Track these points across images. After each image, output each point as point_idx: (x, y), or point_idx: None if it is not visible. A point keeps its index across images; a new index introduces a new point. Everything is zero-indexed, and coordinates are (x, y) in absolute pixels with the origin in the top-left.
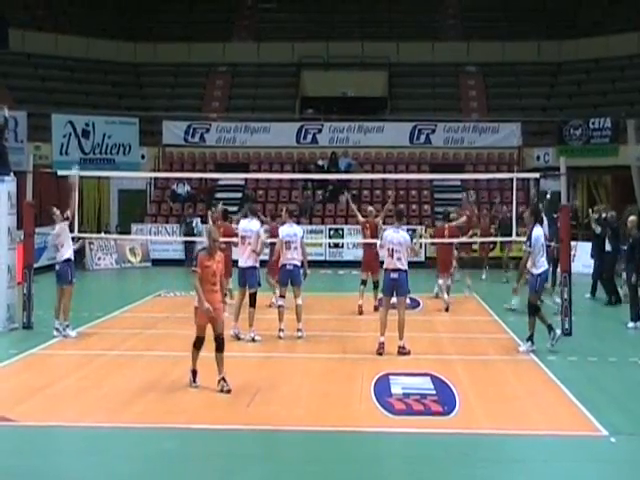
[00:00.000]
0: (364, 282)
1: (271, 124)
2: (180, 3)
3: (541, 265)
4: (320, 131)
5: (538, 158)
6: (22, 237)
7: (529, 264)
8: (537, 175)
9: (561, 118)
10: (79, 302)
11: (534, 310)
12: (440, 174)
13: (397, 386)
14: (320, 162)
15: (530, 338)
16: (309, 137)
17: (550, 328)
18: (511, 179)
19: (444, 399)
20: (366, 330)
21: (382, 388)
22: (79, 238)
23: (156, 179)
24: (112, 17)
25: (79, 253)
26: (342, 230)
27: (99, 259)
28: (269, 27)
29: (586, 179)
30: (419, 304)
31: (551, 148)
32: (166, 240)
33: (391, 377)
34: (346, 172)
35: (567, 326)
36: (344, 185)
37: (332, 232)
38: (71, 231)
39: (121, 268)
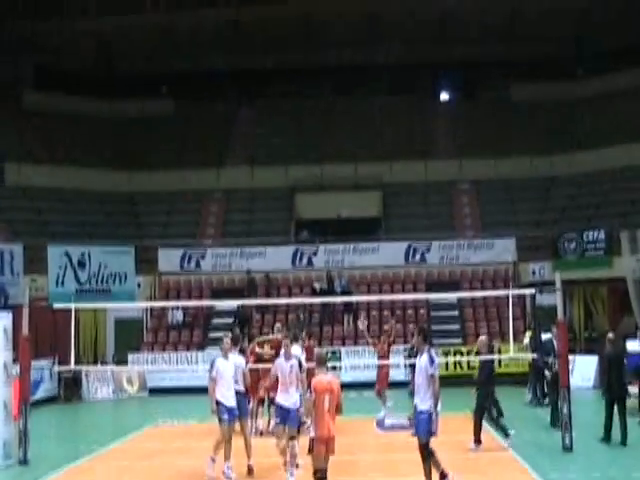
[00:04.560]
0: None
1: (266, 248)
2: (174, 131)
3: (429, 399)
4: (315, 254)
5: (534, 272)
6: (18, 371)
7: (417, 398)
8: (533, 291)
9: (555, 232)
10: (76, 434)
11: (428, 453)
12: (436, 293)
13: None
14: (316, 284)
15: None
16: (304, 260)
17: (443, 476)
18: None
19: None
20: None
21: None
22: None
23: (152, 307)
24: (107, 147)
25: (75, 384)
26: (339, 352)
27: (96, 390)
28: (263, 152)
29: (582, 292)
30: None
31: (546, 262)
32: (163, 369)
33: None
34: (343, 293)
35: (568, 441)
36: (344, 307)
37: (330, 355)
38: (64, 363)
39: (118, 398)
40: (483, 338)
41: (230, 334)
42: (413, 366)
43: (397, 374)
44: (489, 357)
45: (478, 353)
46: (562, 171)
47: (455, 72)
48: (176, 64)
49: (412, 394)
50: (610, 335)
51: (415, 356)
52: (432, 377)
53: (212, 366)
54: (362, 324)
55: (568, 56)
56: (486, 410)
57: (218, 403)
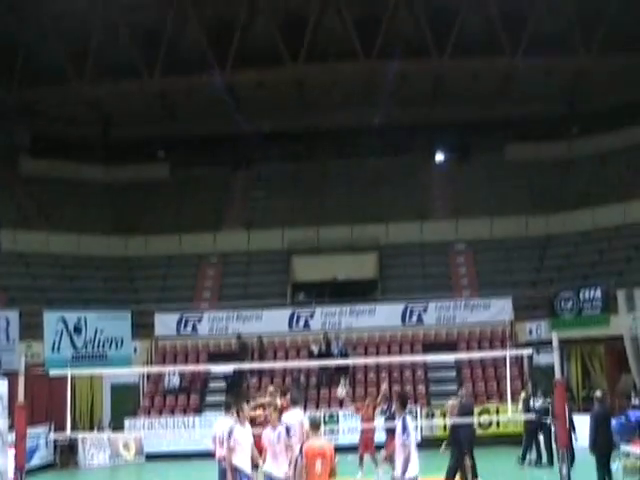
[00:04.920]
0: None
1: (263, 311)
2: (170, 195)
3: (413, 468)
4: (312, 316)
5: (530, 332)
6: (14, 439)
7: (398, 471)
8: (530, 351)
9: (551, 291)
10: None
11: None
12: (433, 354)
13: None
14: (313, 347)
15: None
16: (301, 323)
17: None
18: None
19: None
20: None
21: None
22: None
23: (148, 372)
24: (103, 212)
25: (72, 450)
26: (337, 415)
27: (92, 456)
28: (259, 215)
29: (579, 350)
30: None
31: (543, 321)
32: (160, 434)
33: None
34: (340, 356)
35: None
36: (343, 370)
37: (327, 418)
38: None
39: (115, 464)
40: (452, 402)
41: (249, 402)
42: (388, 430)
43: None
44: (460, 421)
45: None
46: (558, 230)
47: (450, 133)
48: (172, 128)
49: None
50: (597, 394)
51: (392, 418)
52: (403, 445)
53: (230, 435)
54: (341, 391)
55: (562, 116)
56: (459, 471)
57: (236, 470)
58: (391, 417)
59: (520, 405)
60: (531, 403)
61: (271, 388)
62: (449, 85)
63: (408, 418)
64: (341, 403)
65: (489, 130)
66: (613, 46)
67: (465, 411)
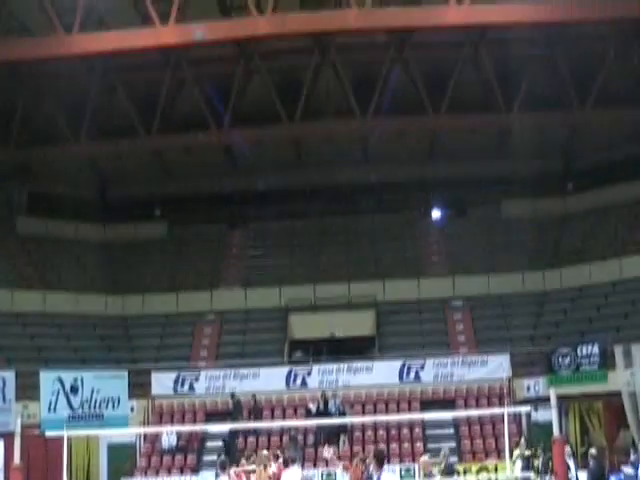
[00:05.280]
0: None
1: (260, 370)
2: (167, 254)
3: None
4: (309, 374)
5: (528, 388)
6: None
7: None
8: (528, 409)
9: (549, 347)
10: None
11: None
12: (431, 412)
13: None
14: (311, 405)
15: None
16: (298, 381)
17: None
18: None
19: None
20: None
21: None
22: None
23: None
24: (100, 271)
25: None
26: (335, 474)
27: None
28: (256, 272)
29: (577, 407)
30: None
31: (541, 377)
32: None
33: None
34: (338, 414)
35: None
36: (340, 428)
37: (325, 476)
38: None
39: None
40: (425, 458)
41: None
42: None
43: None
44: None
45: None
46: (554, 286)
47: (446, 189)
48: (169, 187)
49: None
50: (593, 451)
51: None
52: None
53: None
54: (327, 453)
55: (558, 172)
56: None
57: None
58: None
59: (518, 462)
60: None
61: (265, 452)
62: (445, 142)
63: (386, 475)
64: (327, 463)
65: (486, 186)
66: (607, 103)
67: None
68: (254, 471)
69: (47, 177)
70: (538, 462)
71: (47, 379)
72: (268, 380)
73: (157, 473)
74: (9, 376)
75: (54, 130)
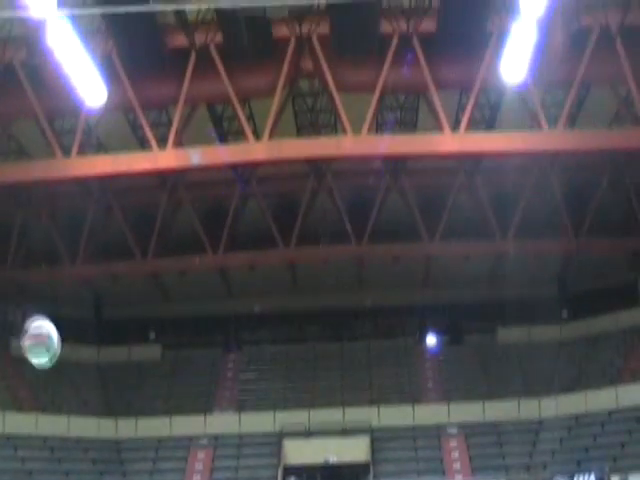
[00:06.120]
0: None
1: None
2: (161, 376)
3: None
4: None
5: None
6: None
7: None
8: None
9: (545, 476)
10: None
11: None
12: None
13: None
14: None
15: None
16: None
17: None
18: None
19: None
20: None
21: None
22: None
23: None
24: (93, 394)
25: None
26: None
27: None
28: (250, 397)
29: None
30: None
31: None
32: None
33: None
34: None
35: None
36: None
37: None
38: None
39: None
40: None
41: None
42: None
43: None
44: None
45: None
46: (550, 414)
47: (441, 315)
48: (164, 309)
49: None
50: None
51: None
52: None
53: None
54: None
55: (553, 298)
56: None
57: None
58: None
59: None
60: None
61: None
62: (440, 267)
63: None
64: None
65: (481, 312)
66: (601, 231)
67: None
68: None
69: (42, 297)
70: None
71: None
72: None
73: None
74: None
75: (51, 251)
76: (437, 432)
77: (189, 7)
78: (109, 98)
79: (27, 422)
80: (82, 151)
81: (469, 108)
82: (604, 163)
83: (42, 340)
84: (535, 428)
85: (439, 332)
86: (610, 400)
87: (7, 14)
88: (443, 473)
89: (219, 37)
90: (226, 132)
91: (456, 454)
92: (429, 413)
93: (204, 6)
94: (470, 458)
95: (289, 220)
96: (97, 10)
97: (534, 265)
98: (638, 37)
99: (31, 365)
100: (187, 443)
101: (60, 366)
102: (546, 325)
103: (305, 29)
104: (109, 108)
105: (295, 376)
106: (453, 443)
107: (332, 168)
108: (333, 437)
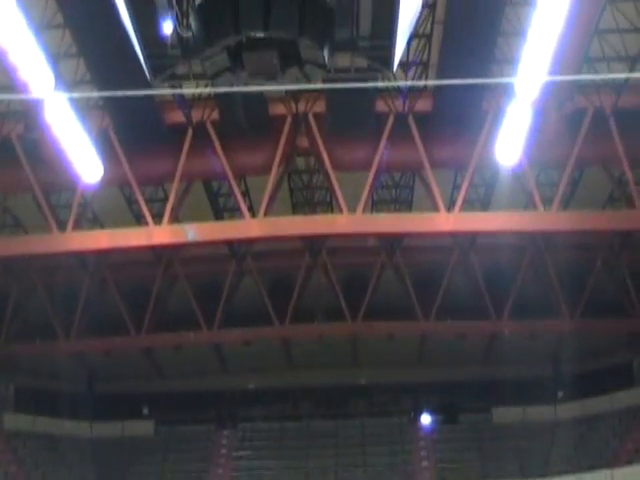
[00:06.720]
0: None
1: None
2: (154, 452)
3: None
4: None
5: None
6: None
7: None
8: None
9: None
10: None
11: None
12: None
13: None
14: None
15: None
16: None
17: None
18: None
19: None
20: None
21: None
22: None
23: None
24: (86, 469)
25: None
26: None
27: None
28: (243, 474)
29: None
30: None
31: None
32: None
33: None
34: None
35: None
36: None
37: None
38: None
39: None
40: None
41: None
42: None
43: None
44: None
45: None
46: None
47: (436, 394)
48: (158, 384)
49: None
50: None
51: None
52: None
53: None
54: None
55: (547, 378)
56: None
57: None
58: None
59: None
60: None
61: None
62: (435, 346)
63: None
64: None
65: (476, 392)
66: (596, 311)
67: None
68: None
69: (35, 372)
70: None
71: None
72: None
73: None
74: None
75: (45, 325)
76: None
77: (187, 91)
78: (105, 173)
79: None
80: (78, 226)
81: (464, 188)
82: (599, 243)
83: None
84: None
85: (434, 411)
86: None
87: (7, 96)
88: None
89: (216, 114)
90: (222, 209)
91: None
92: None
93: (204, 91)
94: None
95: (284, 296)
96: (95, 93)
97: (529, 345)
98: (631, 119)
99: (23, 440)
100: None
101: (52, 441)
102: (541, 405)
103: (301, 107)
104: (105, 183)
105: (289, 454)
106: None
107: (327, 245)
108: None
